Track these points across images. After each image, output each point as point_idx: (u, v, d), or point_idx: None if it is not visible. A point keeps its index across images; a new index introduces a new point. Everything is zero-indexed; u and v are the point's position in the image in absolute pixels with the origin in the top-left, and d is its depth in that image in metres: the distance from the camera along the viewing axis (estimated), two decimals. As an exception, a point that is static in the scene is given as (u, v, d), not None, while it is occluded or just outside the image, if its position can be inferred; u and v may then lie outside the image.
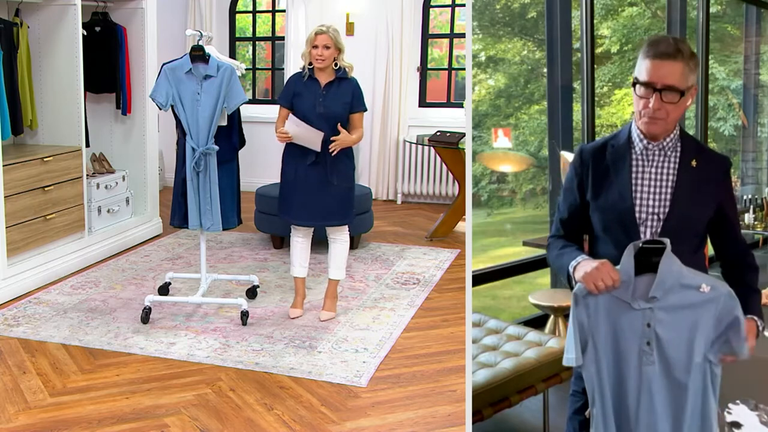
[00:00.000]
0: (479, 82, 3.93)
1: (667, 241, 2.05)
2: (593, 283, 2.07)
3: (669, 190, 2.14)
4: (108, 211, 5.83)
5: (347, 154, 4.34)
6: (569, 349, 2.13)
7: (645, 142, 2.15)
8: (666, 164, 2.15)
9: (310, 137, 4.16)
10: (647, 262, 2.05)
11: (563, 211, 2.32)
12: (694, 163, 2.14)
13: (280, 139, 4.20)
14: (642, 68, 2.08)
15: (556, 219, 2.36)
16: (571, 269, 2.15)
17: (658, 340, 2.05)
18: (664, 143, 2.14)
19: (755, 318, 2.14)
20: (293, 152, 4.30)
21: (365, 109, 4.30)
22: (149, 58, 6.04)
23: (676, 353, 2.05)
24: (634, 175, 2.16)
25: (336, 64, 4.22)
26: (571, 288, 2.16)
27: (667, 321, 2.04)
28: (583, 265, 2.12)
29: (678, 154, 2.14)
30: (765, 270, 3.92)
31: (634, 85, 2.09)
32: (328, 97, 4.20)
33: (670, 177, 2.14)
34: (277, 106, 4.34)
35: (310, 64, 4.22)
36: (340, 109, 4.21)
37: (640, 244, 2.06)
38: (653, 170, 2.15)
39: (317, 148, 4.18)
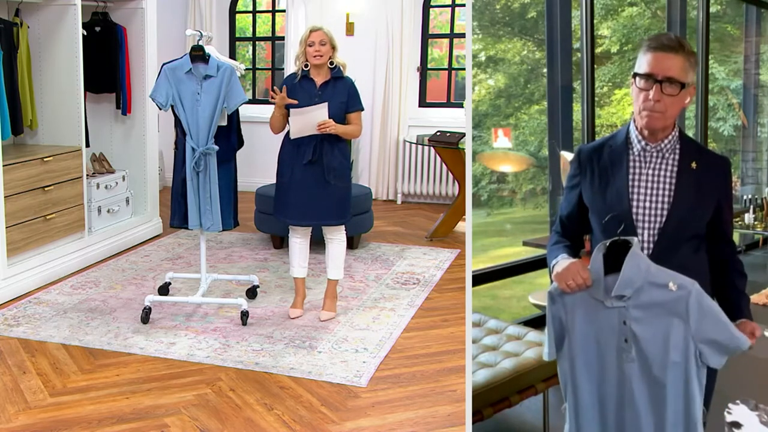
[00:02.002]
0: (479, 82, 3.92)
1: (635, 239, 2.05)
2: (564, 282, 2.11)
3: (668, 192, 2.13)
4: (108, 211, 5.83)
5: (343, 153, 4.35)
6: (545, 344, 2.20)
7: (643, 143, 2.14)
8: (664, 166, 2.14)
9: (317, 115, 4.15)
10: (619, 261, 2.06)
11: (563, 209, 2.34)
12: (694, 165, 2.13)
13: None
14: (643, 61, 2.08)
15: (557, 215, 2.38)
16: (551, 267, 2.20)
17: (636, 337, 2.06)
18: (662, 145, 2.13)
19: (747, 321, 2.15)
20: (290, 152, 4.31)
21: (362, 108, 4.32)
22: (149, 58, 6.04)
23: (653, 351, 2.06)
24: (631, 177, 2.16)
25: (331, 63, 4.25)
26: None
27: (642, 318, 2.06)
28: (559, 264, 2.16)
29: (677, 156, 2.14)
30: (765, 270, 3.92)
31: (634, 77, 2.09)
32: (324, 97, 4.21)
33: (668, 179, 2.13)
34: None
35: (306, 66, 4.24)
36: (337, 108, 4.22)
37: (608, 243, 2.08)
38: (651, 172, 2.14)
39: (326, 118, 4.18)
